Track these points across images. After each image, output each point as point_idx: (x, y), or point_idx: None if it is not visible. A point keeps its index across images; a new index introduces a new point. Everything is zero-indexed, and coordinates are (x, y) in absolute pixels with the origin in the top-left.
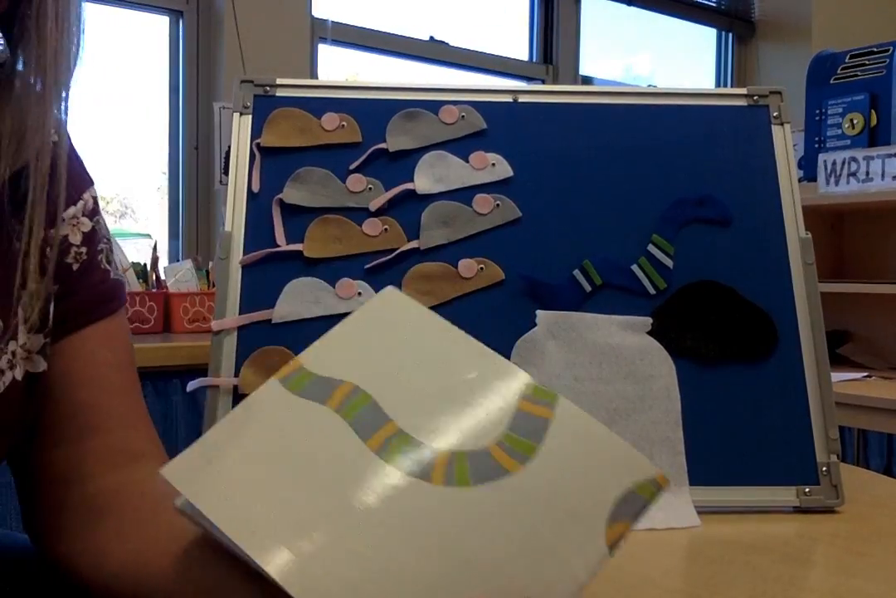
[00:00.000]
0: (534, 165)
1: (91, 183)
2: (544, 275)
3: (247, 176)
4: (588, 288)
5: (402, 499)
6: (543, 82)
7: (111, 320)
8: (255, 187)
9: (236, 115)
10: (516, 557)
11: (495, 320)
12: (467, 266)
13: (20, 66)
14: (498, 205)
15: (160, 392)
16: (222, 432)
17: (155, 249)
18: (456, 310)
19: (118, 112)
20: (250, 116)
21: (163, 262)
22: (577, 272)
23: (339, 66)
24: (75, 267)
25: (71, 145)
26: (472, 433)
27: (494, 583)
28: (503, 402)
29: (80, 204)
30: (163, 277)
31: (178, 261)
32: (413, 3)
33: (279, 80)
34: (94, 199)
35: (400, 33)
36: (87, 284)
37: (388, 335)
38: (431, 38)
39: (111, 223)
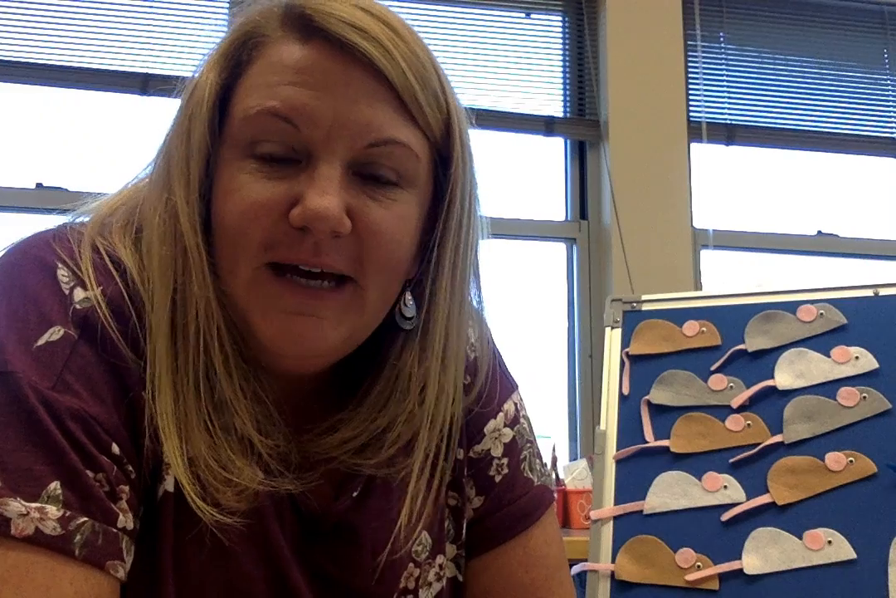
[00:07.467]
0: None
1: (513, 389)
2: None
3: (618, 381)
4: None
5: None
6: None
7: (530, 532)
8: (626, 390)
9: (608, 329)
10: None
11: (868, 515)
12: (835, 459)
13: (424, 318)
14: (864, 397)
15: None
16: None
17: (554, 449)
18: (825, 504)
19: (521, 324)
20: (620, 329)
21: (562, 461)
22: None
23: (724, 269)
24: (497, 479)
25: (498, 359)
26: None
27: None
28: None
29: (501, 416)
30: (562, 475)
31: (575, 460)
32: (799, 200)
33: (644, 297)
34: (516, 405)
35: (784, 232)
36: (508, 499)
37: None
38: (819, 232)
39: None
